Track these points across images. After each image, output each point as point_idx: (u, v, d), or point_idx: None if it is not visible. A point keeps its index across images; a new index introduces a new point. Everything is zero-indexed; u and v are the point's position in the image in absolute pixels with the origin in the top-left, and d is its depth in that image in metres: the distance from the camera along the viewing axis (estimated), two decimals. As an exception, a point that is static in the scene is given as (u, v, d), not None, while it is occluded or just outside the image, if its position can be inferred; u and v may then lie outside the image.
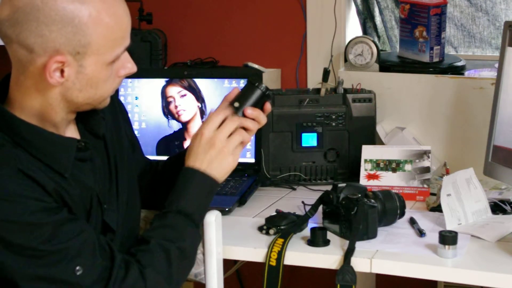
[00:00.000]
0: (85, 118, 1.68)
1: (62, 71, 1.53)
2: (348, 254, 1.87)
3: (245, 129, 1.76)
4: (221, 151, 1.72)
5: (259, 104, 1.79)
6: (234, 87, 1.82)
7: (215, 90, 2.56)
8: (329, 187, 2.06)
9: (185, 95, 2.58)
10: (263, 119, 1.79)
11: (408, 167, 2.32)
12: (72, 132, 1.66)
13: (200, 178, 1.72)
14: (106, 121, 1.73)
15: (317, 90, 2.53)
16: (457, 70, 2.62)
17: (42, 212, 1.50)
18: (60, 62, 1.51)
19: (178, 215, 1.69)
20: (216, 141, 1.72)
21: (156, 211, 1.87)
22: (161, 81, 2.59)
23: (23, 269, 1.50)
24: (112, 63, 1.57)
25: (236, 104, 1.77)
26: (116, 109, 1.82)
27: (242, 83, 2.54)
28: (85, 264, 1.54)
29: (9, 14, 1.50)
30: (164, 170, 1.93)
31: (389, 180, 2.32)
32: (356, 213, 1.94)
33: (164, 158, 2.01)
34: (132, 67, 1.62)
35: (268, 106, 1.80)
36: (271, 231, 2.02)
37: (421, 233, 2.00)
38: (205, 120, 1.76)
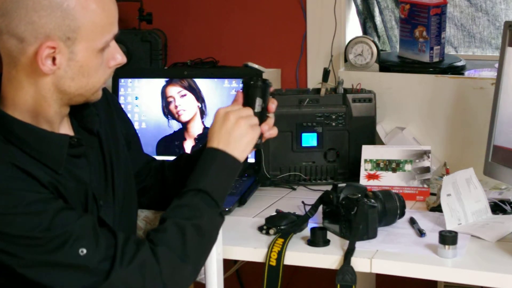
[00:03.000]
0: (79, 115, 1.69)
1: (53, 59, 1.54)
2: (348, 254, 1.87)
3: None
4: (237, 124, 1.73)
5: (266, 97, 1.81)
6: (237, 91, 1.84)
7: (215, 90, 2.56)
8: (329, 187, 2.06)
9: (185, 95, 2.58)
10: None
11: (408, 167, 2.32)
12: (66, 129, 1.67)
13: (220, 157, 1.72)
14: (100, 118, 1.74)
15: (317, 90, 2.53)
16: (457, 70, 2.62)
17: (38, 203, 1.51)
18: (52, 48, 1.52)
19: (197, 193, 1.68)
20: (231, 115, 1.74)
21: (161, 211, 1.88)
22: (161, 81, 2.59)
23: (27, 258, 1.50)
24: (102, 50, 1.59)
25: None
26: (110, 107, 1.82)
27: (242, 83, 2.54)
28: (88, 244, 1.54)
29: None
30: (175, 172, 1.92)
31: (389, 180, 2.32)
32: (356, 213, 1.94)
33: (164, 158, 2.01)
34: (122, 58, 1.64)
35: (274, 102, 1.83)
36: (271, 231, 2.02)
37: (421, 233, 2.00)
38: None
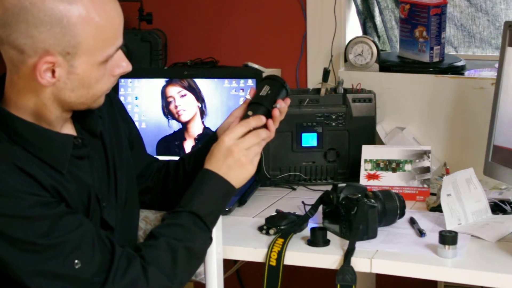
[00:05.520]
0: (82, 117, 1.68)
1: (53, 72, 1.52)
2: (348, 254, 1.87)
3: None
4: (239, 160, 1.73)
5: (276, 92, 1.82)
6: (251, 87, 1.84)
7: (215, 90, 2.56)
8: (329, 187, 2.06)
9: (185, 95, 2.58)
10: (283, 115, 1.82)
11: (408, 167, 2.32)
12: (69, 131, 1.66)
13: (217, 181, 1.72)
14: (103, 120, 1.73)
15: (317, 90, 2.53)
16: (457, 70, 2.62)
17: (39, 207, 1.50)
18: (50, 63, 1.51)
19: (191, 215, 1.69)
20: (235, 150, 1.73)
21: (161, 211, 1.88)
22: (161, 81, 2.59)
23: (21, 263, 1.50)
24: (105, 62, 1.57)
25: (259, 106, 1.79)
26: (114, 108, 1.81)
27: (242, 83, 2.54)
28: (84, 257, 1.54)
29: None
30: (177, 172, 1.92)
31: (389, 180, 2.32)
32: (356, 213, 1.94)
33: (165, 158, 2.01)
34: (127, 66, 1.62)
35: (288, 100, 1.82)
36: (271, 231, 2.02)
37: (421, 233, 2.00)
38: (229, 128, 1.76)
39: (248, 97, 1.82)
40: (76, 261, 1.53)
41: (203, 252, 1.72)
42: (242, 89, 2.54)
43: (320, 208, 2.06)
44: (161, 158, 2.04)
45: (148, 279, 1.60)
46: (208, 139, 1.88)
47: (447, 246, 1.85)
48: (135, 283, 1.59)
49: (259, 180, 2.43)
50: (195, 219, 1.69)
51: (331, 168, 2.50)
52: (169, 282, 1.63)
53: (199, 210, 1.69)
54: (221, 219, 1.82)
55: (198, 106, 2.57)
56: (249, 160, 1.74)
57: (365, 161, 2.35)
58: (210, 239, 1.73)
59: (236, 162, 1.72)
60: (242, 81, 2.54)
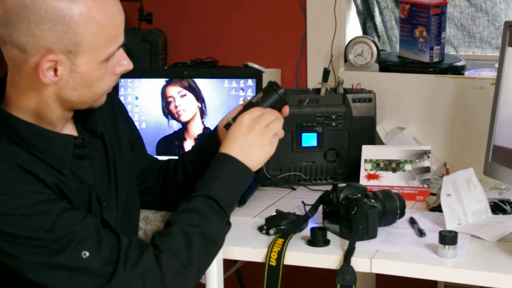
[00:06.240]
0: (83, 117, 1.68)
1: (55, 70, 1.53)
2: (348, 254, 1.87)
3: None
4: (261, 137, 1.74)
5: (276, 108, 1.83)
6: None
7: (215, 90, 2.56)
8: (329, 187, 2.06)
9: (185, 95, 2.58)
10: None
11: (408, 167, 2.32)
12: (70, 130, 1.67)
13: (233, 164, 1.72)
14: (104, 120, 1.73)
15: (317, 90, 2.53)
16: (457, 70, 2.62)
17: (43, 203, 1.51)
18: (53, 61, 1.51)
19: (206, 199, 1.68)
20: (256, 126, 1.74)
21: (161, 211, 1.88)
22: (161, 81, 2.59)
23: (29, 260, 1.50)
24: (106, 61, 1.57)
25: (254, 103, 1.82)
26: (114, 108, 1.82)
27: (242, 83, 2.54)
28: (91, 248, 1.54)
29: (0, 14, 1.50)
30: (176, 170, 1.92)
31: (389, 180, 2.32)
32: (356, 213, 1.94)
33: (164, 158, 2.02)
34: (128, 64, 1.62)
35: (286, 110, 1.82)
36: (271, 231, 2.02)
37: (421, 233, 2.00)
38: (246, 112, 1.78)
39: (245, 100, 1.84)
40: (83, 251, 1.53)
41: (220, 238, 1.71)
42: (242, 89, 2.55)
43: (320, 208, 2.06)
44: (161, 158, 2.04)
45: (161, 267, 1.59)
46: (207, 137, 1.88)
47: (447, 246, 1.85)
48: (147, 272, 1.58)
49: (259, 180, 2.43)
50: (211, 203, 1.68)
51: (331, 168, 2.50)
52: (184, 269, 1.62)
53: (215, 193, 1.69)
54: (221, 219, 1.82)
55: (198, 106, 2.57)
56: (269, 138, 1.75)
57: (365, 161, 2.35)
58: (228, 224, 1.72)
59: (257, 138, 1.73)
60: (242, 81, 2.54)
